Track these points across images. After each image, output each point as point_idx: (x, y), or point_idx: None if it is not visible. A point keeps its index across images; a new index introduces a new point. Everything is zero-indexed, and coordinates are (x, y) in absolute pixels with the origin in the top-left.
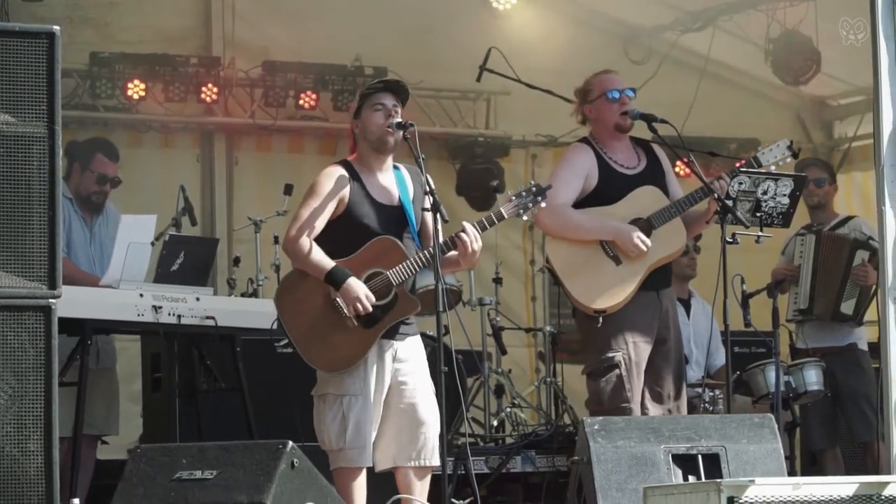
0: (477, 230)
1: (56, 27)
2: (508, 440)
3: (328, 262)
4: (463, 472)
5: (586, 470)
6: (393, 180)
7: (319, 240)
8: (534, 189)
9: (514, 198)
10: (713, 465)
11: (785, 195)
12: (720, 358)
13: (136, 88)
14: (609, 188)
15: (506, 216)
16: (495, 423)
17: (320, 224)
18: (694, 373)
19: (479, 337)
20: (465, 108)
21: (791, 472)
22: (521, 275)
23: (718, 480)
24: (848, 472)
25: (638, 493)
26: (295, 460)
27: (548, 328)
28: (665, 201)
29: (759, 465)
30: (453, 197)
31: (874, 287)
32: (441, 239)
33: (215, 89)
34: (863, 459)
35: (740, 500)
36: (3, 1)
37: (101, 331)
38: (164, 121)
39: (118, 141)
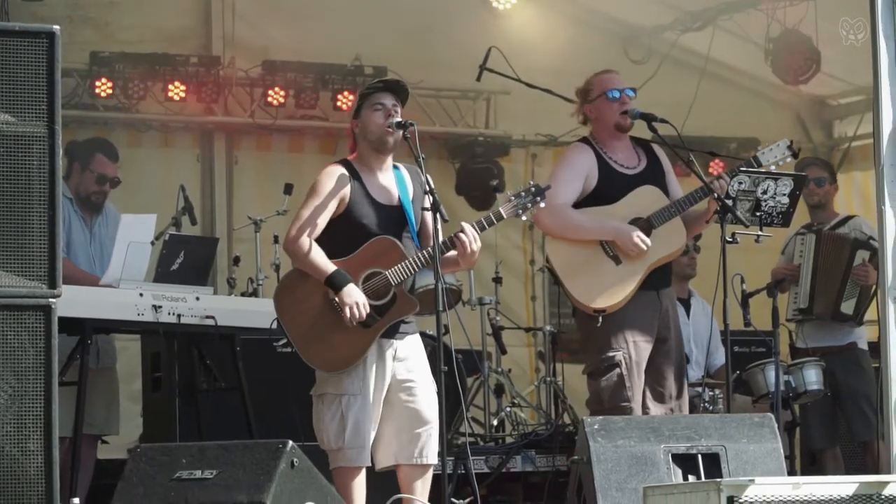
0: (476, 230)
1: (56, 27)
2: (508, 440)
3: (329, 266)
4: (463, 471)
5: (586, 469)
6: (393, 180)
7: (320, 239)
8: (533, 189)
9: (512, 198)
10: (713, 464)
11: (785, 195)
12: (720, 357)
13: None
14: (609, 188)
15: (505, 216)
16: (495, 422)
17: (321, 223)
18: (694, 372)
19: (478, 336)
20: (465, 107)
21: (791, 472)
22: (521, 274)
23: (718, 480)
24: (848, 472)
25: (638, 492)
26: (295, 460)
27: (548, 328)
28: (665, 201)
29: (759, 464)
30: (453, 196)
31: (874, 287)
32: (441, 239)
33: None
34: (863, 459)
35: (740, 500)
36: (3, 0)
37: (101, 330)
38: (163, 120)
39: (118, 140)
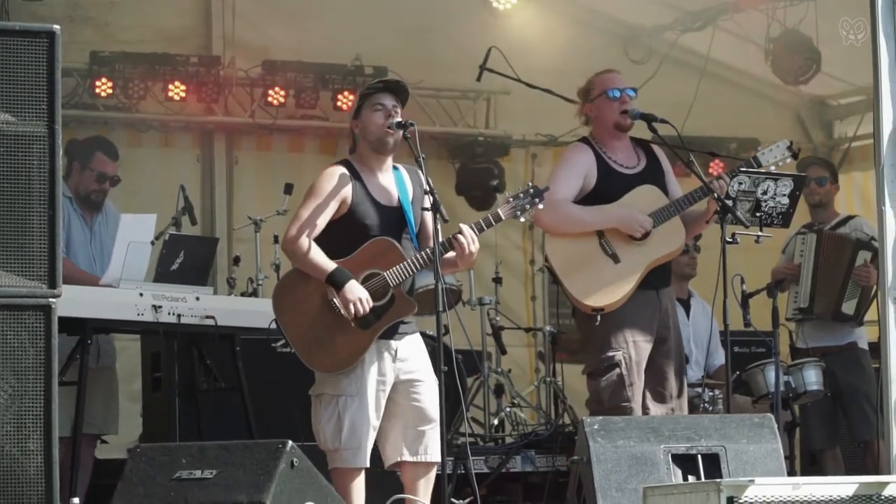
0: (474, 232)
1: (56, 26)
2: (508, 440)
3: (329, 264)
4: (463, 471)
5: (586, 470)
6: (392, 181)
7: (319, 240)
8: (531, 191)
9: (511, 199)
10: (713, 464)
11: (785, 195)
12: (719, 358)
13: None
14: (608, 187)
15: (503, 217)
16: (495, 422)
17: (321, 224)
18: (694, 373)
19: (478, 336)
20: (465, 107)
21: (791, 472)
22: (521, 274)
23: (718, 480)
24: (848, 472)
25: (637, 492)
26: (295, 460)
27: (548, 328)
28: (664, 200)
29: (759, 465)
30: (453, 196)
31: (875, 288)
32: (440, 239)
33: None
34: (863, 459)
35: (740, 500)
36: (3, 0)
37: (101, 330)
38: (163, 120)
39: (118, 140)
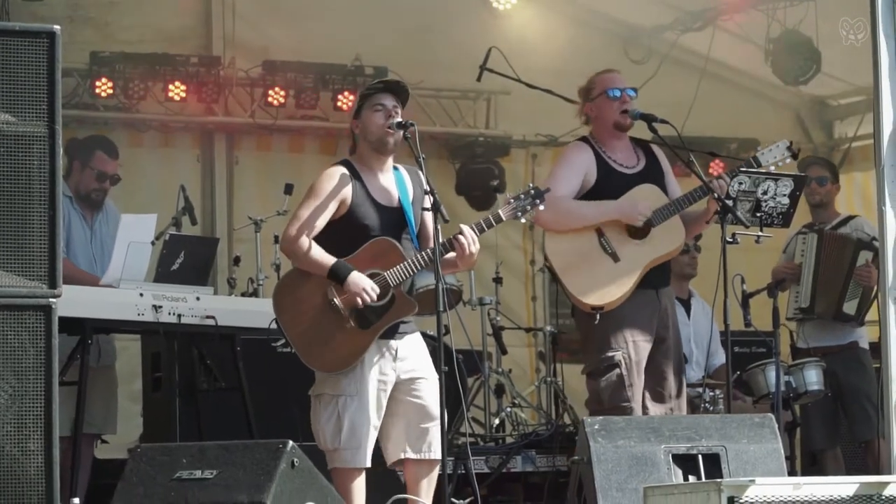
0: (475, 232)
1: (56, 27)
2: (509, 440)
3: (329, 258)
4: (463, 471)
5: (586, 470)
6: (393, 181)
7: (319, 240)
8: (532, 192)
9: (512, 200)
10: (713, 464)
11: (785, 195)
12: (720, 358)
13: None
14: (608, 186)
15: (504, 218)
16: (496, 422)
17: (320, 224)
18: (694, 373)
19: (479, 337)
20: (466, 107)
21: (791, 472)
22: (522, 274)
23: (719, 480)
24: (848, 472)
25: (638, 492)
26: (295, 460)
27: (548, 328)
28: (664, 199)
29: (760, 465)
30: (453, 196)
31: (876, 288)
32: (441, 239)
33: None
34: (863, 459)
35: (740, 500)
36: (3, 0)
37: (102, 330)
38: (164, 120)
39: (118, 141)
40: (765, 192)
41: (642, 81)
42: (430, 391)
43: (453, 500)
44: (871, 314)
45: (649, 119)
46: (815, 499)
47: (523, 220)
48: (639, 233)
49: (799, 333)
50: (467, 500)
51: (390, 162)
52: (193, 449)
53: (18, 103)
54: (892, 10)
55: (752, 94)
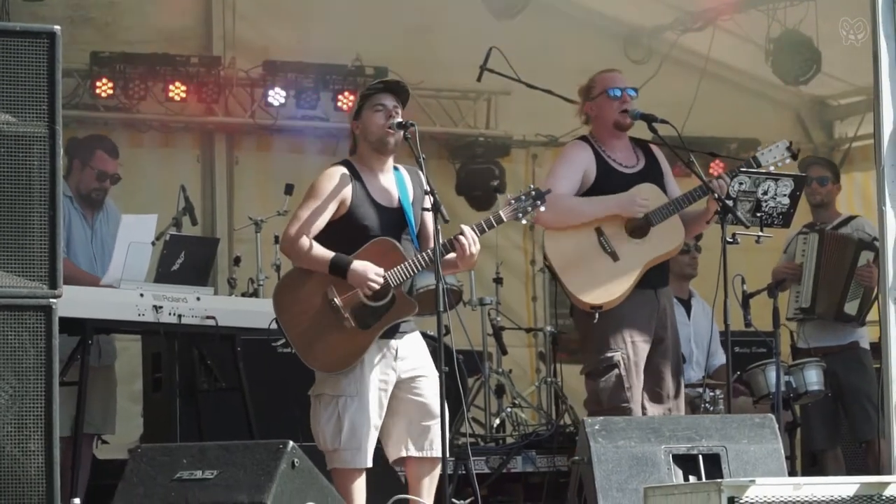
0: (475, 233)
1: (57, 27)
2: (509, 440)
3: (329, 253)
4: (464, 471)
5: (587, 470)
6: (393, 182)
7: (318, 240)
8: (533, 193)
9: (512, 201)
10: (714, 465)
11: (785, 195)
12: (720, 358)
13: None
14: (607, 186)
15: (504, 219)
16: (496, 422)
17: (320, 225)
18: (694, 373)
19: (479, 337)
20: (466, 107)
21: (792, 473)
22: (522, 275)
23: (719, 481)
24: (849, 473)
25: (638, 493)
26: (295, 460)
27: (548, 328)
28: (664, 199)
29: (760, 465)
30: (453, 197)
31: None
32: (441, 240)
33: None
34: (864, 460)
35: (741, 501)
36: (3, 1)
37: (102, 330)
38: (164, 120)
39: (118, 141)
40: (765, 193)
41: (642, 81)
42: (430, 389)
43: (454, 500)
44: (872, 314)
45: (649, 119)
46: (815, 499)
47: (524, 222)
48: (638, 232)
49: (799, 333)
50: (468, 501)
51: (390, 162)
52: (194, 449)
53: (19, 103)
54: (892, 10)
55: (752, 94)
